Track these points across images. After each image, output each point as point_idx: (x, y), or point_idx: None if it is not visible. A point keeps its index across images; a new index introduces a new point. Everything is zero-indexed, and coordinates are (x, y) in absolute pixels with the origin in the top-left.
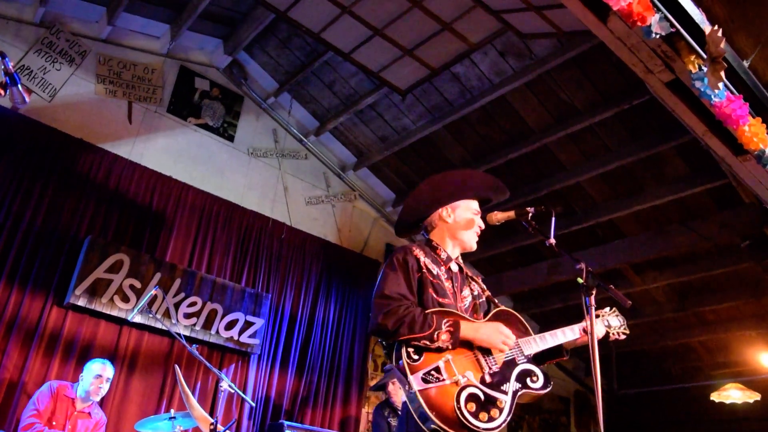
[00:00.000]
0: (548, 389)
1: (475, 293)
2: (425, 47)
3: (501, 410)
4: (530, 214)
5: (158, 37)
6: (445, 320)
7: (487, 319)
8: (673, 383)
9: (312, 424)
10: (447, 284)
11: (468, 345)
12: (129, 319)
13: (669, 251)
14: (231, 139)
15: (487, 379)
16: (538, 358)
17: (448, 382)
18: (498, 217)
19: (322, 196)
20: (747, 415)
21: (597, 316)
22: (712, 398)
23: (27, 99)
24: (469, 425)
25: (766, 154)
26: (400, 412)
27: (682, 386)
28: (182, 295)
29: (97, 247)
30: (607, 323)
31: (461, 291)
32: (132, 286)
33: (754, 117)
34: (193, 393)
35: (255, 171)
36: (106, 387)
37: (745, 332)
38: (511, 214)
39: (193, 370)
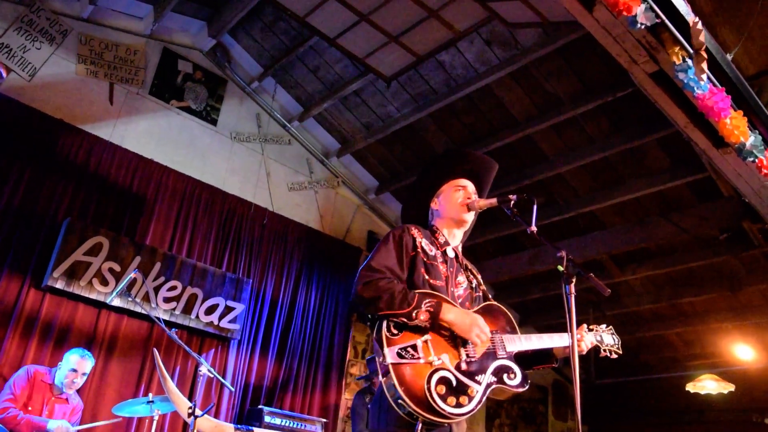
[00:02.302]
0: (524, 388)
1: (474, 284)
2: (411, 34)
3: (471, 399)
4: (512, 202)
5: (141, 18)
6: (426, 299)
7: (475, 310)
8: (649, 374)
9: (291, 409)
10: (442, 267)
11: (451, 329)
12: (108, 302)
13: (648, 243)
14: (214, 122)
15: (463, 366)
16: (526, 361)
17: (422, 361)
18: (480, 204)
19: (305, 182)
20: (721, 406)
21: (590, 330)
22: (687, 389)
23: (3, 75)
24: (435, 407)
25: (746, 147)
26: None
27: (658, 377)
28: (162, 279)
29: (76, 229)
30: (600, 338)
31: (455, 277)
32: (111, 270)
33: (735, 110)
34: (172, 377)
35: (237, 155)
36: (80, 381)
37: (721, 324)
38: (494, 201)
39: (172, 354)
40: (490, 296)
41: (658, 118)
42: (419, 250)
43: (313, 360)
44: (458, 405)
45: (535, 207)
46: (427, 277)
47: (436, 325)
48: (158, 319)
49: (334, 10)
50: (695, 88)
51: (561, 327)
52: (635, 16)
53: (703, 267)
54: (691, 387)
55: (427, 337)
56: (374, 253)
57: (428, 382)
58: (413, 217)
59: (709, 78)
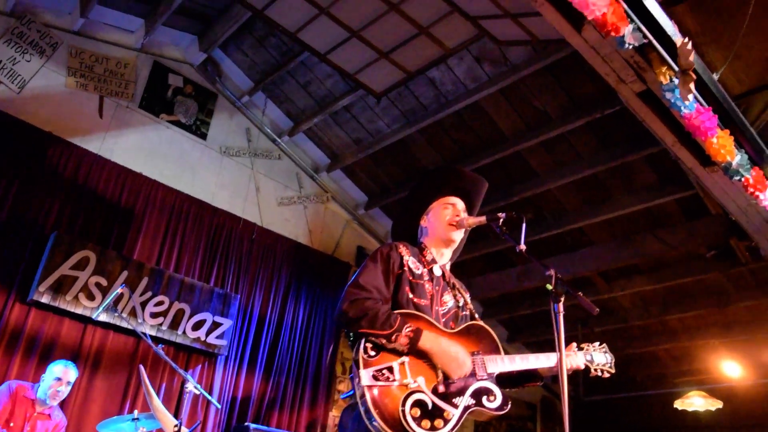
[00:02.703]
0: (504, 411)
1: (460, 304)
2: (401, 51)
3: (447, 422)
4: (501, 220)
5: (132, 32)
6: (408, 324)
7: (457, 330)
8: (638, 390)
9: (278, 426)
10: (428, 286)
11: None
12: (94, 317)
13: (637, 259)
14: (203, 137)
15: (441, 388)
16: (509, 381)
17: (396, 383)
18: (469, 222)
19: (295, 197)
20: (709, 423)
21: (581, 349)
22: (675, 405)
23: None
24: (409, 430)
25: (732, 166)
26: None
27: (646, 393)
28: (149, 293)
29: (63, 243)
30: (590, 358)
31: (441, 296)
32: (98, 284)
33: (722, 129)
34: (158, 394)
35: (227, 170)
36: (65, 391)
37: (708, 341)
38: (483, 219)
39: (158, 370)
40: (476, 315)
41: (646, 135)
42: (405, 268)
43: (301, 376)
44: (433, 428)
45: (524, 225)
46: (411, 295)
47: (413, 352)
48: (145, 334)
49: (325, 26)
50: (682, 108)
51: (550, 343)
52: (623, 36)
53: (690, 283)
54: (679, 404)
55: (404, 359)
56: (362, 271)
57: (403, 404)
58: (403, 234)
59: (696, 97)
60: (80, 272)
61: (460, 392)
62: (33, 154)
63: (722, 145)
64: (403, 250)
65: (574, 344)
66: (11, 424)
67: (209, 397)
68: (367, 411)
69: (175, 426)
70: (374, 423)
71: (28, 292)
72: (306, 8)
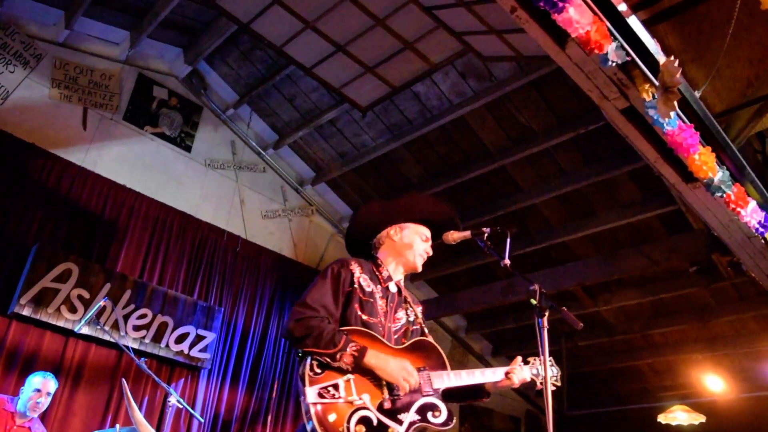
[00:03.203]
0: (449, 426)
1: (411, 319)
2: (387, 65)
3: None
4: (486, 235)
5: (117, 44)
6: (352, 343)
7: (404, 347)
8: (621, 404)
9: None
10: (380, 303)
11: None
12: (76, 330)
13: (620, 274)
14: (188, 149)
15: (386, 405)
16: (457, 396)
17: (341, 401)
18: (454, 236)
19: (279, 209)
20: None
21: (526, 363)
22: (659, 420)
23: None
24: None
25: (714, 182)
26: None
27: (630, 407)
28: (132, 306)
29: (45, 255)
30: (536, 372)
31: (395, 312)
32: (80, 297)
33: (704, 146)
34: (140, 408)
35: (211, 182)
36: (45, 402)
37: (691, 355)
38: (467, 234)
39: (140, 384)
40: (426, 331)
41: (629, 151)
42: (356, 285)
43: (285, 390)
44: None
45: (508, 239)
46: (360, 313)
47: (358, 369)
48: (127, 347)
49: (311, 40)
50: (665, 125)
51: (534, 357)
52: (606, 54)
53: (674, 298)
54: (662, 418)
55: (349, 376)
56: (311, 288)
57: (348, 422)
58: (361, 232)
59: (678, 115)
60: (62, 284)
61: (406, 408)
62: (15, 166)
63: (704, 161)
64: (354, 267)
65: (519, 358)
66: None
67: (192, 411)
68: (313, 429)
69: None
70: None
71: (9, 305)
72: (292, 22)
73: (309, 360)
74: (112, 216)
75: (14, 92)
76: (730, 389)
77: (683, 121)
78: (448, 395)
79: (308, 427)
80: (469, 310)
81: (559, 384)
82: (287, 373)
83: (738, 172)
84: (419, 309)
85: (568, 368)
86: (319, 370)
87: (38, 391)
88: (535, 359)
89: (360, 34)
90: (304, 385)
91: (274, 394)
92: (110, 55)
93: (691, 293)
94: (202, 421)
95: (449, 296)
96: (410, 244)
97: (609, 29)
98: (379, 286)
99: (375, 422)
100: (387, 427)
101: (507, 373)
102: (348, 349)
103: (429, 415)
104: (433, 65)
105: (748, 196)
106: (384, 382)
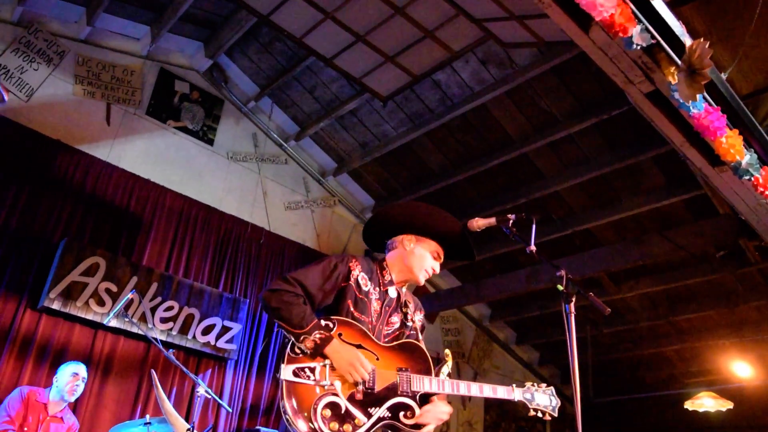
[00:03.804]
0: (419, 430)
1: (408, 324)
2: (407, 54)
3: (356, 428)
4: (511, 221)
5: (138, 39)
6: (320, 330)
7: (390, 345)
8: (647, 391)
9: None
10: (375, 304)
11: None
12: (104, 323)
13: (645, 260)
14: (210, 142)
15: (357, 396)
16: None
17: (312, 383)
18: (479, 223)
19: (302, 201)
20: (720, 424)
21: (522, 386)
22: (685, 406)
23: (5, 98)
24: (317, 428)
25: (742, 166)
26: None
27: (656, 394)
28: (159, 299)
29: (73, 249)
30: (530, 397)
31: (389, 316)
32: (108, 290)
33: (731, 129)
34: (169, 398)
35: (234, 175)
36: (81, 387)
37: (718, 341)
38: (492, 221)
39: (169, 375)
40: (420, 337)
41: (654, 136)
42: (352, 282)
43: None
44: (340, 431)
45: (533, 226)
46: (352, 309)
47: (318, 356)
48: (155, 339)
49: (330, 30)
50: (691, 108)
51: (559, 345)
52: (631, 37)
53: (700, 284)
54: (689, 405)
55: (327, 361)
56: (302, 267)
57: (315, 403)
58: (378, 229)
59: (704, 97)
60: (90, 278)
61: (378, 403)
62: (42, 162)
63: (731, 144)
64: (354, 264)
65: (514, 385)
66: (25, 429)
67: (220, 401)
68: (283, 405)
69: (187, 430)
70: (286, 416)
71: (38, 299)
72: (311, 13)
73: (291, 341)
74: (137, 210)
75: (39, 90)
76: (757, 375)
77: (709, 104)
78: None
79: (280, 404)
80: (493, 299)
81: (555, 415)
82: None
83: (766, 155)
84: (420, 315)
85: (594, 356)
86: (298, 351)
87: (76, 374)
88: (532, 385)
89: (379, 23)
90: (281, 362)
91: None
92: (132, 50)
93: (718, 279)
94: (230, 410)
95: (473, 285)
96: (421, 257)
97: (633, 12)
98: (378, 288)
99: (342, 409)
100: (354, 416)
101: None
102: (312, 335)
103: (401, 414)
104: (453, 53)
105: None
106: None
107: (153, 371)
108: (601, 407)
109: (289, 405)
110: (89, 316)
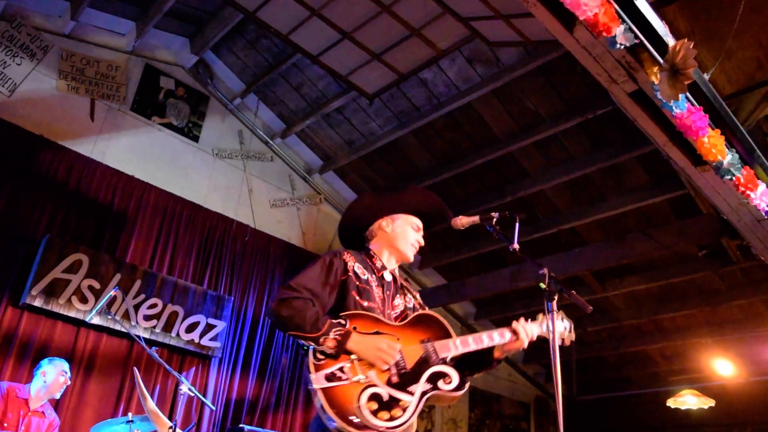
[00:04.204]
0: (462, 391)
1: (410, 305)
2: (394, 52)
3: (404, 410)
4: (495, 219)
5: (123, 34)
6: (337, 328)
7: (405, 323)
8: (630, 389)
9: (273, 428)
10: (377, 291)
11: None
12: (87, 320)
13: (629, 259)
14: (196, 139)
15: (394, 379)
16: (465, 365)
17: (348, 381)
18: (462, 221)
19: (287, 198)
20: (701, 421)
21: (536, 320)
22: (668, 404)
23: None
24: (368, 424)
25: (723, 165)
26: None
27: (639, 392)
28: (142, 296)
29: (55, 246)
30: (546, 327)
31: (392, 299)
32: (91, 287)
33: (713, 129)
34: (152, 396)
35: (219, 172)
36: (64, 386)
37: (700, 340)
38: (476, 218)
39: (152, 373)
40: (426, 308)
41: (638, 135)
42: (351, 274)
43: (295, 378)
44: (392, 418)
45: (517, 224)
46: (359, 299)
47: (342, 353)
48: (138, 337)
49: (317, 27)
50: (673, 108)
51: (543, 342)
52: (615, 36)
53: (682, 283)
54: (671, 402)
55: (353, 357)
56: (300, 273)
57: (358, 400)
58: (353, 225)
59: (687, 97)
60: (73, 275)
61: (415, 379)
62: (24, 158)
63: (713, 144)
64: (347, 257)
65: (522, 318)
66: (5, 425)
67: (204, 399)
68: (325, 413)
69: (170, 428)
70: (333, 424)
71: (20, 296)
72: (298, 10)
73: (312, 349)
74: (121, 207)
75: (22, 84)
76: (739, 373)
77: (692, 104)
78: (457, 366)
79: (320, 414)
80: (477, 297)
81: (573, 337)
82: (297, 360)
83: (747, 155)
84: (417, 295)
85: (577, 353)
86: (321, 357)
87: (65, 372)
88: (542, 315)
89: (366, 20)
90: (309, 373)
91: (284, 382)
92: (116, 45)
93: (700, 278)
94: (214, 408)
95: (457, 283)
96: (402, 234)
97: (617, 11)
98: (373, 276)
99: (386, 397)
100: (398, 399)
101: (513, 331)
102: (331, 334)
103: (440, 382)
104: (439, 51)
105: (758, 179)
106: None
107: (136, 369)
108: (584, 404)
109: (333, 413)
110: (72, 314)
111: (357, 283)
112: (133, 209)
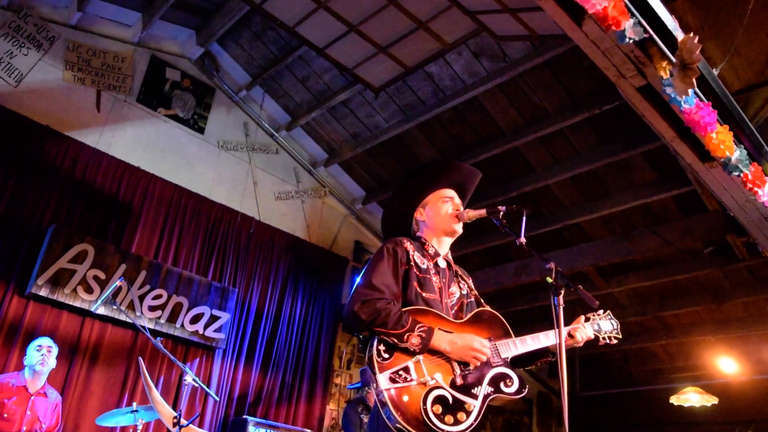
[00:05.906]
0: (522, 394)
1: (464, 292)
2: (400, 45)
3: (469, 414)
4: (501, 213)
5: (129, 26)
6: (419, 324)
7: (466, 319)
8: (634, 386)
9: (276, 419)
10: (435, 279)
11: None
12: (92, 310)
13: (634, 255)
14: (201, 131)
15: (458, 381)
16: (522, 361)
17: (415, 383)
18: (470, 215)
19: (292, 191)
20: (705, 419)
21: (587, 320)
22: (671, 401)
23: None
24: (433, 427)
25: (731, 161)
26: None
27: (642, 389)
28: (147, 287)
29: (61, 236)
30: (597, 327)
31: (449, 287)
32: (96, 277)
33: (721, 124)
34: (157, 386)
35: (225, 164)
36: (50, 357)
37: (704, 337)
38: (483, 212)
39: (156, 363)
40: (482, 301)
41: (644, 131)
42: (412, 263)
43: (298, 370)
44: (456, 422)
45: (524, 218)
46: (420, 290)
47: (425, 351)
48: (143, 327)
49: (323, 20)
50: (682, 103)
51: (594, 312)
52: (624, 30)
53: (687, 280)
54: (675, 399)
55: (418, 357)
56: (371, 269)
57: (424, 403)
58: (395, 227)
59: (695, 93)
60: (78, 265)
61: (478, 382)
62: (30, 148)
63: (722, 140)
64: (408, 245)
65: (582, 317)
66: (5, 415)
67: (207, 390)
68: (390, 414)
69: (174, 418)
70: (397, 425)
71: (26, 286)
72: (304, 2)
73: (375, 344)
74: (126, 198)
75: (28, 75)
76: (742, 371)
77: (701, 99)
78: (514, 362)
79: (383, 414)
80: (482, 291)
81: (620, 336)
82: (301, 353)
83: (756, 152)
84: (470, 281)
85: (581, 350)
86: (386, 355)
87: (39, 347)
88: (594, 315)
89: (373, 13)
90: (374, 372)
91: (287, 374)
92: (123, 37)
93: (705, 275)
94: (218, 399)
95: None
96: (436, 213)
97: (626, 5)
98: (430, 263)
99: (451, 400)
100: (463, 402)
101: (570, 333)
102: (415, 330)
103: (501, 385)
104: (446, 45)
105: (766, 175)
106: (453, 359)
107: (140, 359)
108: (587, 401)
109: (397, 414)
110: (77, 303)
111: (417, 273)
112: (138, 200)
